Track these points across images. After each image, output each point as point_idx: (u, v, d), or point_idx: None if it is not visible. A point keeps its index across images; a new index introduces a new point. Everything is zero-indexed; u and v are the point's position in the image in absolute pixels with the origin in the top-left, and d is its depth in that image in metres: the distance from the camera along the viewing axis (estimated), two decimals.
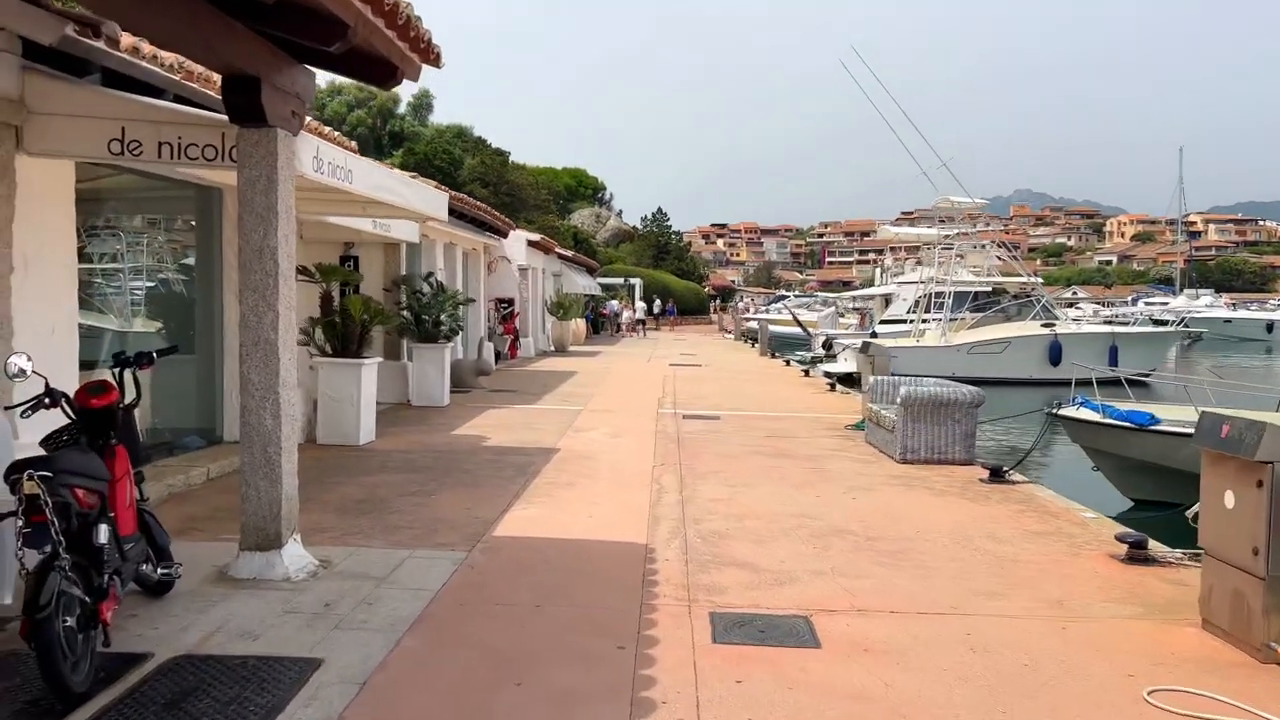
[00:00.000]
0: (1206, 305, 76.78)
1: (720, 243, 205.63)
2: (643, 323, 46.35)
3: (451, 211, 16.49)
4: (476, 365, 16.95)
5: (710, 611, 5.09)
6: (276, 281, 5.57)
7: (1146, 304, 74.28)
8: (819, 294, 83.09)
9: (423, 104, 58.06)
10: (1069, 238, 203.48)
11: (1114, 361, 28.90)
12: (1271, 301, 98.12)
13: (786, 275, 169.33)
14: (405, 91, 57.46)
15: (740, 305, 78.15)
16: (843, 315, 47.70)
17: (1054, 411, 11.88)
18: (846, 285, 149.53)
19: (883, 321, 37.81)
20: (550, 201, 58.66)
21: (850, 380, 25.07)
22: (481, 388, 16.80)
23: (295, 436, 5.80)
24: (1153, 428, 10.81)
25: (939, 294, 30.27)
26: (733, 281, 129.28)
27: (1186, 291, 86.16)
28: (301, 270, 10.25)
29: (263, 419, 5.52)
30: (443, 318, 14.20)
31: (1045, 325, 29.06)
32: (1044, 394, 28.77)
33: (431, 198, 9.73)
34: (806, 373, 22.16)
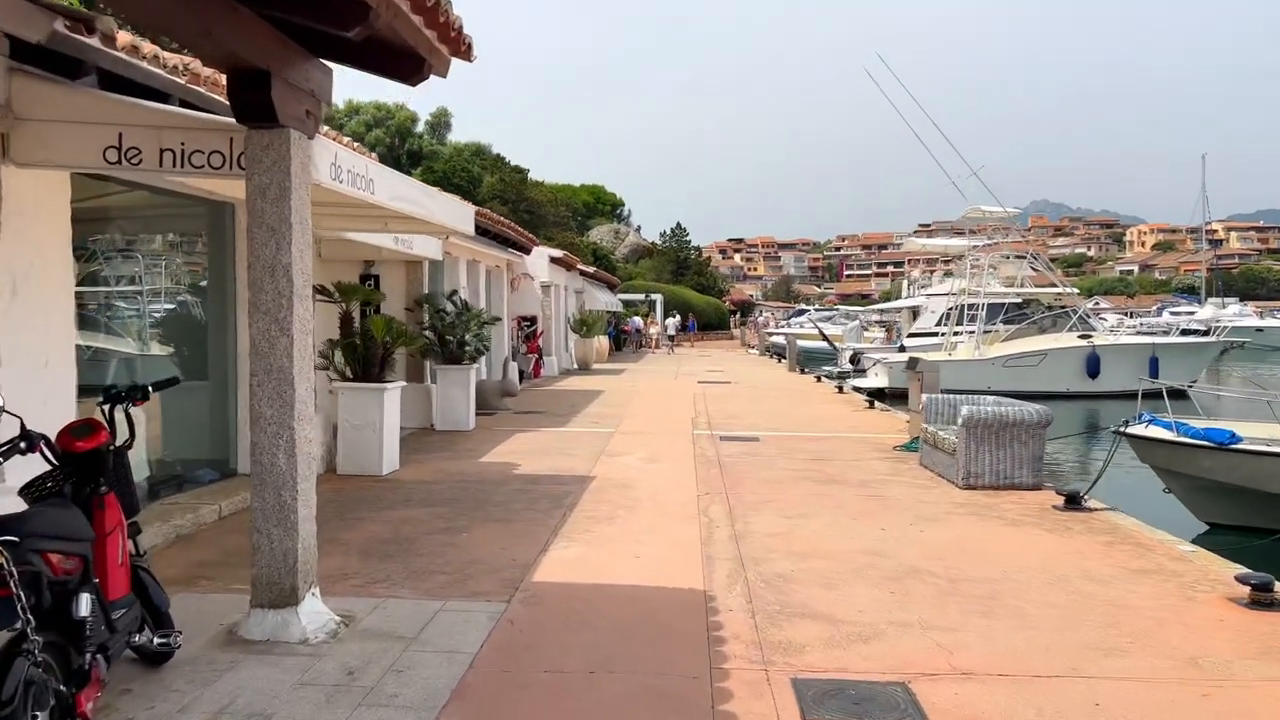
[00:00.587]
0: (1235, 314, 75.24)
1: (737, 257, 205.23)
2: (673, 338, 46.51)
3: (476, 228, 15.95)
4: (501, 386, 16.33)
5: (791, 677, 4.40)
6: (291, 302, 4.93)
7: (1171, 313, 72.85)
8: (841, 307, 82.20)
9: (441, 122, 57.79)
10: (1089, 248, 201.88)
11: (1155, 373, 28.01)
12: None
13: (804, 289, 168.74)
14: (423, 109, 57.26)
15: (760, 320, 77.41)
16: (866, 329, 46.97)
17: (1122, 430, 11.12)
18: (865, 298, 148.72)
19: (910, 335, 37.03)
20: (570, 218, 58.22)
21: (882, 395, 24.36)
22: (507, 409, 16.18)
23: (313, 476, 5.15)
24: (1234, 446, 10.03)
25: (971, 306, 29.46)
26: (751, 296, 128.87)
27: (1212, 300, 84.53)
28: (320, 290, 9.69)
29: (276, 458, 4.88)
30: (467, 338, 13.59)
31: (1082, 337, 28.21)
32: (1083, 408, 27.97)
33: (457, 211, 9.12)
34: (840, 389, 21.40)
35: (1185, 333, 42.82)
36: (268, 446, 4.89)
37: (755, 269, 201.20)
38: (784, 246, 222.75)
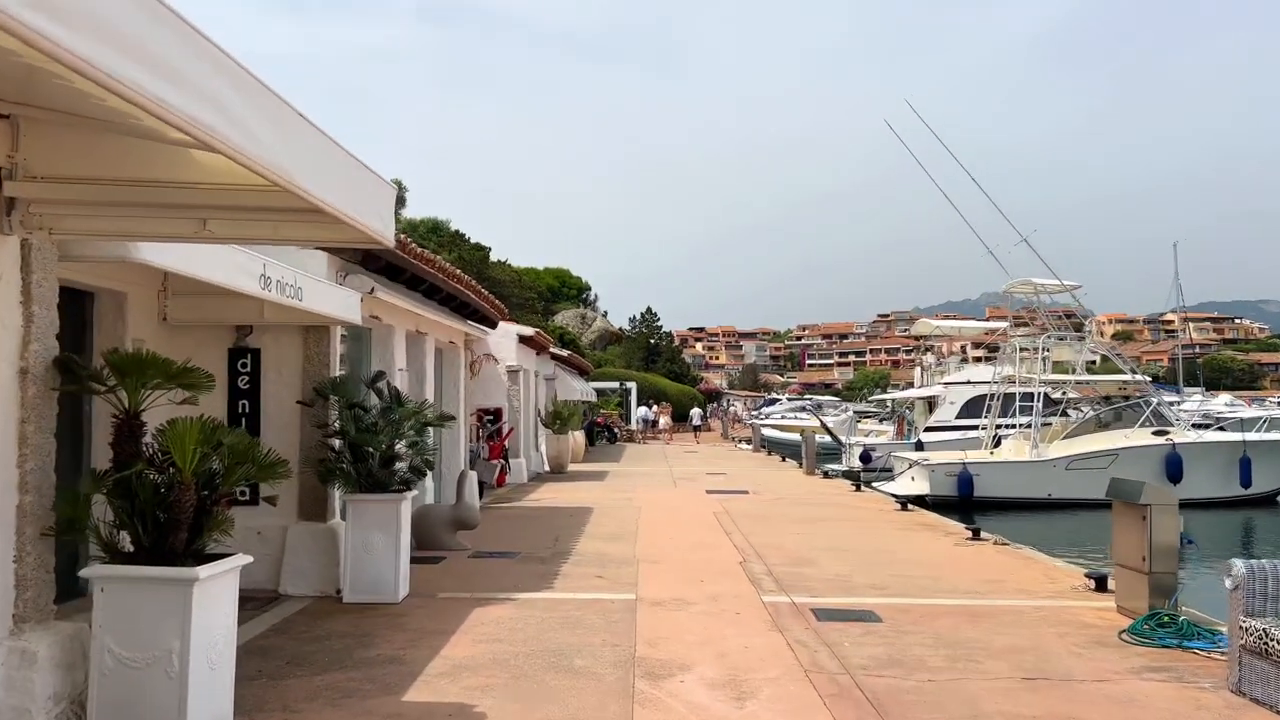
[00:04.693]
0: (1226, 404, 71.74)
1: (699, 346, 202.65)
2: (698, 428, 44.67)
3: (423, 285, 10.95)
4: (454, 514, 11.14)
5: None
6: None
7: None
8: (814, 398, 77.93)
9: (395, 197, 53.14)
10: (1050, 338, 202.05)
11: (1247, 476, 23.49)
12: (1271, 400, 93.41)
13: (768, 378, 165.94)
14: None
15: (731, 410, 72.91)
16: (860, 420, 42.49)
17: None
18: (828, 387, 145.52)
19: (928, 429, 32.42)
20: (535, 301, 53.53)
21: (923, 504, 19.58)
22: (463, 549, 10.98)
23: None
24: None
25: (1025, 397, 24.81)
26: (719, 385, 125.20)
27: (1193, 390, 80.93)
28: (64, 364, 4.59)
29: None
30: (399, 449, 8.49)
31: (1158, 433, 23.63)
32: None
33: (354, 182, 4.13)
34: (904, 506, 16.41)
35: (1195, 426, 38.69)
36: None
37: (717, 358, 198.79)
38: (745, 335, 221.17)
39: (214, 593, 4.55)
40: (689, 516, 14.68)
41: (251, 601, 8.16)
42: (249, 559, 4.83)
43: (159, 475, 4.63)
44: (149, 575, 4.43)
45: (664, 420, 42.59)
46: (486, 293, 14.81)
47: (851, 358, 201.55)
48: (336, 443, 8.36)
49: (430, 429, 9.10)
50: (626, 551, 11.12)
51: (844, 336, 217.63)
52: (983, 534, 12.54)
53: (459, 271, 12.23)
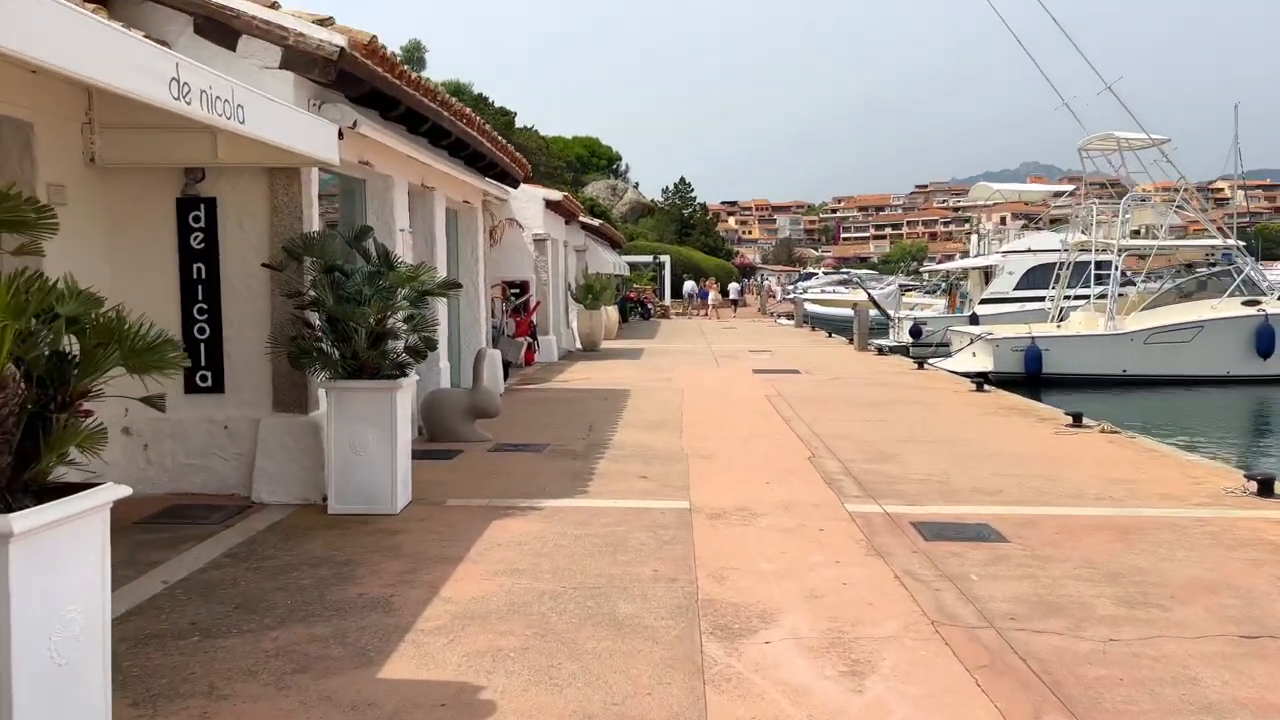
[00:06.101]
0: None
1: (731, 220, 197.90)
2: (735, 302, 46.01)
3: (419, 123, 9.01)
4: (472, 401, 9.49)
5: None
6: None
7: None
8: (855, 271, 75.49)
9: (413, 57, 50.16)
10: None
11: None
12: None
13: (803, 252, 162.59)
14: (393, 42, 49.56)
15: (766, 285, 70.92)
16: (905, 292, 40.50)
17: None
18: (863, 261, 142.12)
19: (984, 301, 30.41)
20: (564, 170, 51.06)
21: (986, 380, 17.78)
22: (483, 440, 9.38)
23: None
24: None
25: (1101, 265, 22.69)
26: (753, 259, 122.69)
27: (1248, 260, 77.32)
28: None
29: None
30: (394, 323, 6.77)
31: (1249, 303, 21.50)
32: (1251, 396, 21.33)
33: None
34: (980, 385, 14.62)
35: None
36: None
37: (750, 232, 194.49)
38: (779, 209, 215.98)
39: (55, 548, 2.89)
40: (738, 400, 13.01)
41: (217, 512, 6.63)
42: (124, 491, 3.15)
43: None
44: None
45: (713, 295, 41.49)
46: (506, 144, 12.83)
47: (888, 230, 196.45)
48: (315, 317, 6.64)
49: (433, 299, 7.34)
50: (672, 443, 9.48)
51: (880, 209, 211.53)
52: (1085, 420, 10.75)
53: (470, 112, 10.24)
